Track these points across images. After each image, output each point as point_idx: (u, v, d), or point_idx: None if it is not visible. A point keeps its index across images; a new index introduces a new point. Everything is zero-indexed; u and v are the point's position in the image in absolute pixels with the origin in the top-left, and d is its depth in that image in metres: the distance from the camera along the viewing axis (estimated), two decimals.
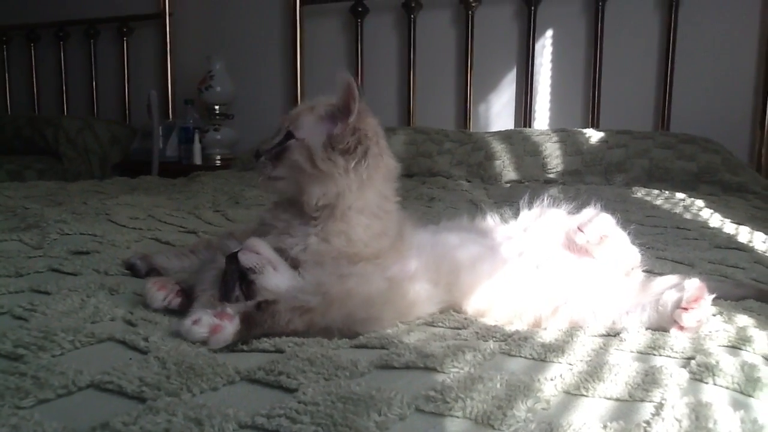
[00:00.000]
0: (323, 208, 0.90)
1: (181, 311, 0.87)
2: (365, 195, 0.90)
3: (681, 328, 0.78)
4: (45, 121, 3.39)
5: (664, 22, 2.62)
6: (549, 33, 2.83)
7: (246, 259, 0.82)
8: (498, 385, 0.60)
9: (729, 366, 0.65)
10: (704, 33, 2.58)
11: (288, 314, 0.76)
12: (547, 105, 2.87)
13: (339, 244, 0.88)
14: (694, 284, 0.78)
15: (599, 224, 0.96)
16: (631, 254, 0.98)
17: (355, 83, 0.87)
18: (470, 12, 2.88)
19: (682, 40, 2.59)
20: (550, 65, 2.85)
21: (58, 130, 3.30)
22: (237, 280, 0.81)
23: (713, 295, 0.81)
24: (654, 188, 2.15)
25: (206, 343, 0.72)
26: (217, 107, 3.27)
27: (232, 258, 0.82)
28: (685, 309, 0.77)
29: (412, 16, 2.99)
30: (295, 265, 0.88)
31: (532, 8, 2.77)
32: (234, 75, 3.33)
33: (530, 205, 1.08)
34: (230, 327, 0.72)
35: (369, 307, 0.81)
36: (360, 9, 3.08)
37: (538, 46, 2.83)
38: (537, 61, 2.84)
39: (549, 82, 2.86)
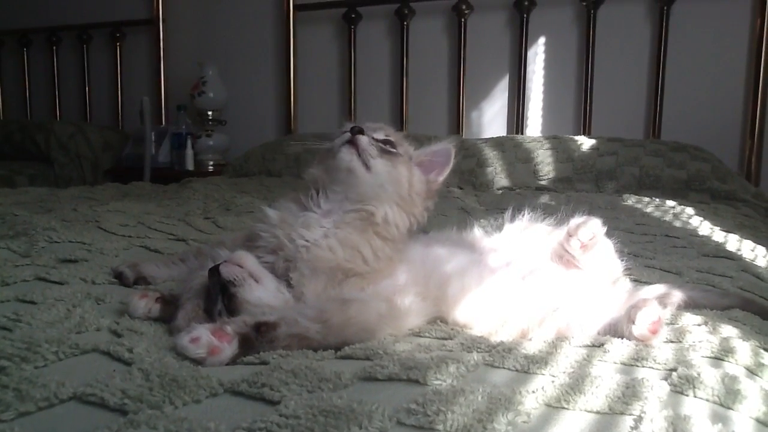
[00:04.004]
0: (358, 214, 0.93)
1: (164, 319, 0.87)
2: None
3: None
4: (36, 126, 3.38)
5: (655, 30, 2.64)
6: (541, 40, 2.84)
7: (227, 271, 0.82)
8: (479, 398, 0.60)
9: (710, 378, 0.65)
10: (695, 41, 2.60)
11: (286, 340, 0.76)
12: (540, 112, 2.88)
13: (341, 257, 0.89)
14: (644, 321, 0.79)
15: (589, 226, 0.98)
16: (616, 264, 0.99)
17: (454, 153, 1.00)
18: (463, 19, 2.89)
19: (673, 48, 2.60)
20: (542, 72, 2.86)
21: (49, 135, 3.29)
22: (219, 293, 0.81)
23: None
24: (644, 196, 2.16)
25: (201, 362, 0.71)
26: (209, 113, 3.27)
27: (214, 271, 0.82)
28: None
29: (405, 23, 3.00)
30: (287, 268, 0.88)
31: (525, 16, 2.79)
32: (227, 81, 3.33)
33: (513, 218, 1.10)
34: (228, 350, 0.72)
35: (365, 333, 0.82)
36: (353, 16, 3.09)
37: (530, 53, 2.84)
38: (529, 69, 2.85)
39: (541, 89, 2.87)
